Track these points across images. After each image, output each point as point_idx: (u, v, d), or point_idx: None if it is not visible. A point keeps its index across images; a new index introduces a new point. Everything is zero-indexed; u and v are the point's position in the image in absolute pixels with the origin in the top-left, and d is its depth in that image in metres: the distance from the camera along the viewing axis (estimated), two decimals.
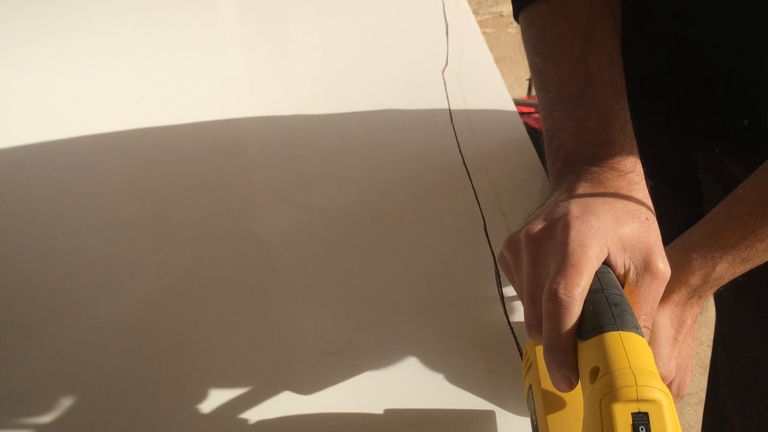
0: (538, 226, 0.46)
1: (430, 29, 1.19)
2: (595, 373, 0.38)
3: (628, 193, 0.48)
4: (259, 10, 1.32)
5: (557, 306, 0.41)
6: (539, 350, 0.51)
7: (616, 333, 0.39)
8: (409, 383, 0.63)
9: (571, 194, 0.47)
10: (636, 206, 0.47)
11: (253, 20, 1.29)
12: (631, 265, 0.44)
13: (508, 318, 0.70)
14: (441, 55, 1.12)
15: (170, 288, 0.74)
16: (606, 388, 0.36)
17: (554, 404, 0.47)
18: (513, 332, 0.68)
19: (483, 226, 0.81)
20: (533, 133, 0.98)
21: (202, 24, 1.26)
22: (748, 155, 0.59)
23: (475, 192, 0.85)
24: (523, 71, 2.78)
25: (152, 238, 0.81)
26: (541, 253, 0.45)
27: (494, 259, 0.76)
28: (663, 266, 0.45)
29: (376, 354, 0.67)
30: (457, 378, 0.63)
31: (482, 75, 1.10)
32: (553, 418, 0.46)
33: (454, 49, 1.15)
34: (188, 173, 0.91)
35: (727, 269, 0.53)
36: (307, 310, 0.71)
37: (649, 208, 0.47)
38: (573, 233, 0.44)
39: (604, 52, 0.53)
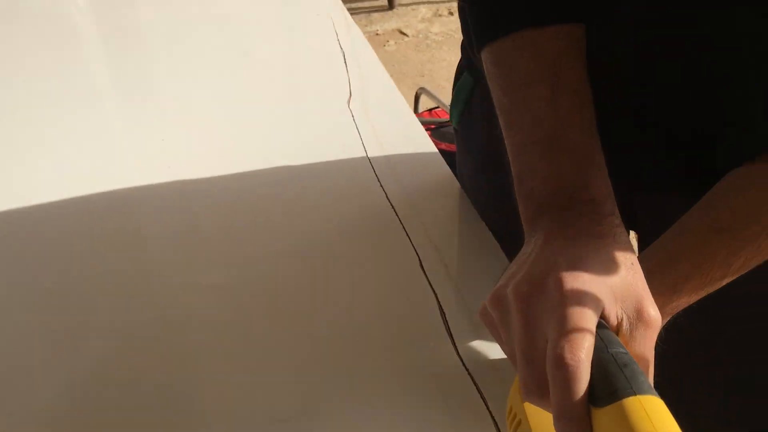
0: (525, 281, 0.44)
1: (328, 60, 1.16)
2: None
3: (611, 238, 0.46)
4: (148, 56, 1.25)
5: (565, 373, 0.39)
6: (528, 405, 0.49)
7: (635, 398, 0.37)
8: None
9: (552, 244, 0.45)
10: (621, 252, 0.45)
11: (137, 70, 1.21)
12: (624, 315, 0.43)
13: (463, 361, 0.67)
14: (344, 87, 1.09)
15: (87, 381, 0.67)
16: None
17: None
18: (472, 378, 0.65)
19: (419, 263, 0.78)
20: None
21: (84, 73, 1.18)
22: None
23: (404, 228, 0.83)
24: (405, 88, 2.80)
25: (51, 341, 0.71)
26: (533, 313, 0.42)
27: (436, 296, 0.74)
28: (654, 313, 0.43)
29: (333, 417, 0.63)
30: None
31: (387, 101, 1.07)
32: None
33: (354, 78, 1.12)
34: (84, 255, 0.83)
35: (684, 299, 0.52)
36: (252, 376, 0.66)
37: (632, 251, 0.46)
38: (567, 289, 0.42)
39: (575, 92, 0.52)
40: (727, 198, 0.57)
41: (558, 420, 0.39)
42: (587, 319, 0.40)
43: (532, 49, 0.52)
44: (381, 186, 0.90)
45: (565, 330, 0.40)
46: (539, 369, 0.42)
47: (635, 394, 0.37)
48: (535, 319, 0.42)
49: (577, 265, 0.43)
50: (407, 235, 0.82)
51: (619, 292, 0.43)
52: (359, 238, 0.83)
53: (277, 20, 1.30)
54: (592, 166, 0.49)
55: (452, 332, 0.70)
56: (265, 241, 0.82)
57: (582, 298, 0.41)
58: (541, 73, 0.52)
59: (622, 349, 0.40)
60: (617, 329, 0.43)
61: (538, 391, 0.42)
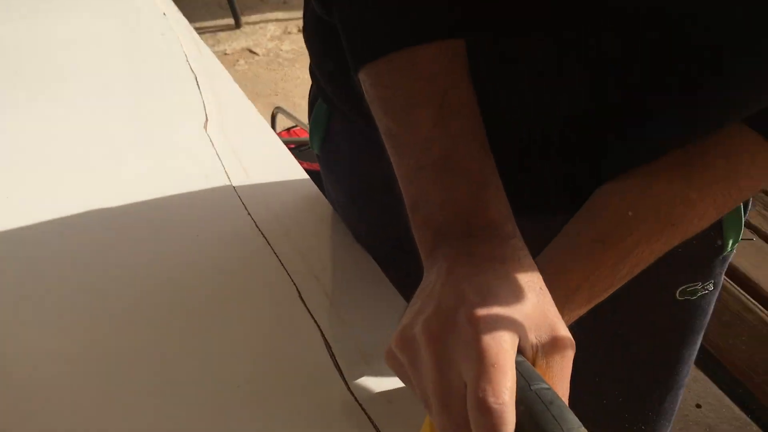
0: (434, 319, 0.40)
1: (179, 84, 1.08)
2: None
3: (516, 262, 0.43)
4: None
5: (490, 418, 0.36)
6: None
7: None
8: None
9: (457, 273, 0.42)
10: (528, 276, 0.42)
11: None
12: (538, 344, 0.40)
13: (356, 397, 0.63)
14: (199, 111, 1.02)
15: None
16: None
17: None
18: (368, 416, 0.61)
19: (298, 294, 0.73)
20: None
21: None
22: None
23: (279, 258, 0.77)
24: (261, 107, 2.74)
25: None
26: (446, 353, 0.39)
27: (319, 327, 0.69)
28: (567, 336, 0.41)
29: None
30: None
31: (247, 123, 1.02)
32: None
33: (210, 100, 1.05)
34: None
35: (575, 311, 0.52)
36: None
37: (538, 274, 0.43)
38: (481, 324, 0.38)
39: (463, 111, 0.48)
40: (605, 209, 0.57)
41: None
42: (506, 354, 0.37)
43: (412, 68, 0.49)
44: (249, 214, 0.84)
45: (484, 369, 0.37)
46: (457, 413, 0.38)
47: None
48: (449, 359, 0.39)
49: (486, 296, 0.40)
50: (282, 265, 0.77)
51: (532, 320, 0.40)
52: (231, 273, 0.76)
53: (119, 43, 1.20)
54: (488, 188, 0.47)
55: (340, 366, 0.65)
56: (125, 292, 0.74)
57: (497, 331, 0.38)
58: (426, 94, 0.48)
59: (544, 385, 0.37)
60: (533, 360, 0.40)
61: None
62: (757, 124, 0.54)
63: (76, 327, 0.69)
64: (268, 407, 0.62)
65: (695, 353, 0.80)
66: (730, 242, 0.72)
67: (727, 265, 0.76)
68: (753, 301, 1.44)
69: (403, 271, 0.76)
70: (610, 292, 0.56)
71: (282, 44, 3.50)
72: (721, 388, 1.50)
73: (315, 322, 0.70)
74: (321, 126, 0.76)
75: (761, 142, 0.55)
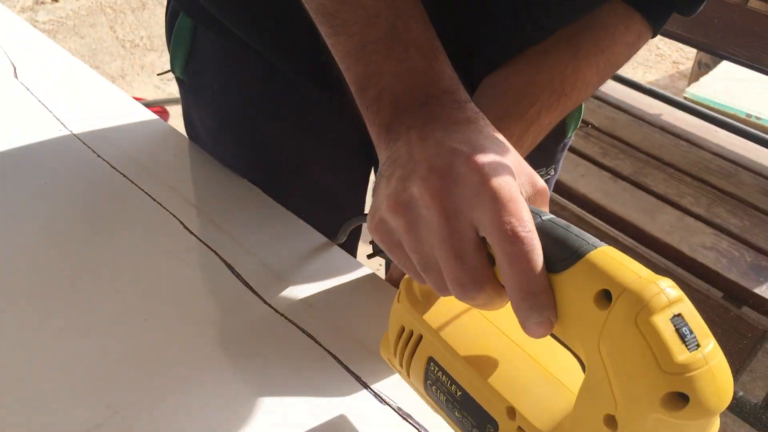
0: (432, 176, 0.38)
1: None
2: (604, 297, 0.32)
3: (481, 121, 0.43)
4: None
5: (522, 247, 0.35)
6: (432, 317, 0.43)
7: (598, 251, 0.34)
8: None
9: (434, 136, 0.40)
10: (496, 134, 0.42)
11: None
12: (523, 191, 0.40)
13: (275, 309, 0.60)
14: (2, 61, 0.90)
15: None
16: (636, 305, 0.31)
17: (487, 366, 0.40)
18: (289, 319, 0.58)
19: (182, 226, 0.68)
20: None
21: None
22: None
23: (150, 195, 0.71)
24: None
25: None
26: (453, 203, 0.38)
27: (218, 255, 0.64)
28: (545, 186, 0.42)
29: (151, 406, 0.51)
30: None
31: (59, 67, 0.91)
32: (497, 381, 0.39)
33: (13, 52, 0.93)
34: None
35: None
36: (57, 386, 0.52)
37: (499, 132, 0.43)
38: (486, 169, 0.38)
39: None
40: (506, 87, 0.60)
41: (523, 300, 0.35)
42: (517, 191, 0.37)
43: None
44: (100, 157, 0.76)
45: (503, 205, 0.36)
46: (473, 261, 0.37)
47: (596, 248, 0.34)
48: (457, 211, 0.38)
49: (476, 148, 0.39)
50: (154, 199, 0.70)
51: (515, 169, 0.40)
52: (98, 214, 0.69)
53: None
54: (438, 57, 0.45)
55: (254, 288, 0.62)
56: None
57: (501, 173, 0.38)
58: None
59: (551, 215, 0.37)
60: None
61: (476, 286, 0.37)
62: None
63: None
64: (186, 336, 0.57)
65: None
66: (571, 129, 0.77)
67: (566, 152, 0.82)
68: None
69: (281, 185, 0.73)
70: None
71: (36, 15, 3.19)
72: None
73: (214, 251, 0.65)
74: (184, 46, 0.70)
75: (632, 12, 0.62)
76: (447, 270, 0.38)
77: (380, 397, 0.53)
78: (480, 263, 0.37)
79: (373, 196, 0.43)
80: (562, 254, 0.35)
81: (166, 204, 0.70)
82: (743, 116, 2.10)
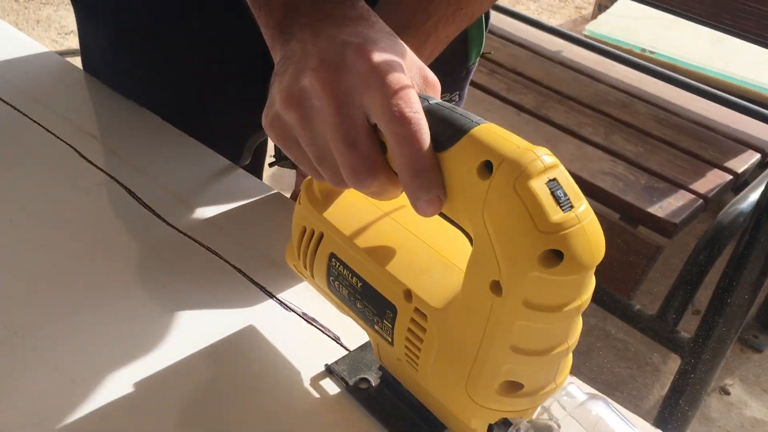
0: (324, 68, 0.39)
1: None
2: (486, 168, 0.34)
3: (373, 18, 0.43)
4: None
5: (410, 127, 0.36)
6: (332, 214, 0.44)
7: (480, 127, 0.35)
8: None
9: (326, 31, 0.41)
10: (388, 29, 0.43)
11: None
12: (414, 83, 0.41)
13: (179, 230, 0.60)
14: None
15: None
16: (514, 172, 0.33)
17: (384, 255, 0.42)
18: (190, 237, 0.58)
19: (78, 154, 0.66)
20: None
21: None
22: None
23: (48, 130, 0.69)
24: None
25: None
26: (343, 91, 0.38)
27: (118, 182, 0.64)
28: (435, 77, 0.43)
29: (53, 327, 0.51)
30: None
31: None
32: (395, 268, 0.41)
33: None
34: None
35: None
36: None
37: (390, 29, 0.44)
38: (375, 57, 0.38)
39: None
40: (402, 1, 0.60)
41: (413, 178, 0.36)
42: (405, 77, 0.39)
43: None
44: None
45: (391, 89, 0.37)
46: (365, 147, 0.38)
47: (479, 124, 0.35)
48: (348, 98, 0.38)
49: (367, 40, 0.40)
50: (49, 131, 0.69)
51: (406, 62, 0.41)
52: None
53: None
54: None
55: (157, 212, 0.61)
56: None
57: (390, 63, 0.39)
58: None
59: (439, 100, 0.39)
60: None
61: (369, 172, 0.38)
62: None
63: None
64: (90, 266, 0.57)
65: None
66: (473, 55, 0.79)
67: (470, 78, 0.84)
68: None
69: (184, 102, 0.72)
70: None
71: None
72: None
73: (112, 177, 0.64)
74: None
75: None
76: (341, 158, 0.39)
77: (285, 305, 0.54)
78: (372, 149, 0.38)
79: (269, 94, 0.44)
80: (447, 132, 0.36)
81: (62, 135, 0.68)
82: (638, 51, 2.18)
